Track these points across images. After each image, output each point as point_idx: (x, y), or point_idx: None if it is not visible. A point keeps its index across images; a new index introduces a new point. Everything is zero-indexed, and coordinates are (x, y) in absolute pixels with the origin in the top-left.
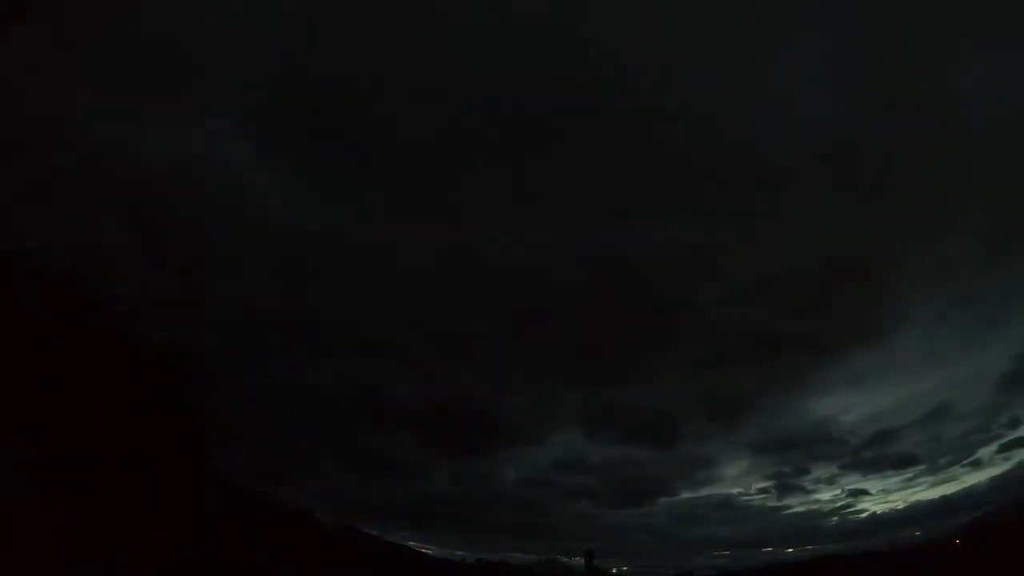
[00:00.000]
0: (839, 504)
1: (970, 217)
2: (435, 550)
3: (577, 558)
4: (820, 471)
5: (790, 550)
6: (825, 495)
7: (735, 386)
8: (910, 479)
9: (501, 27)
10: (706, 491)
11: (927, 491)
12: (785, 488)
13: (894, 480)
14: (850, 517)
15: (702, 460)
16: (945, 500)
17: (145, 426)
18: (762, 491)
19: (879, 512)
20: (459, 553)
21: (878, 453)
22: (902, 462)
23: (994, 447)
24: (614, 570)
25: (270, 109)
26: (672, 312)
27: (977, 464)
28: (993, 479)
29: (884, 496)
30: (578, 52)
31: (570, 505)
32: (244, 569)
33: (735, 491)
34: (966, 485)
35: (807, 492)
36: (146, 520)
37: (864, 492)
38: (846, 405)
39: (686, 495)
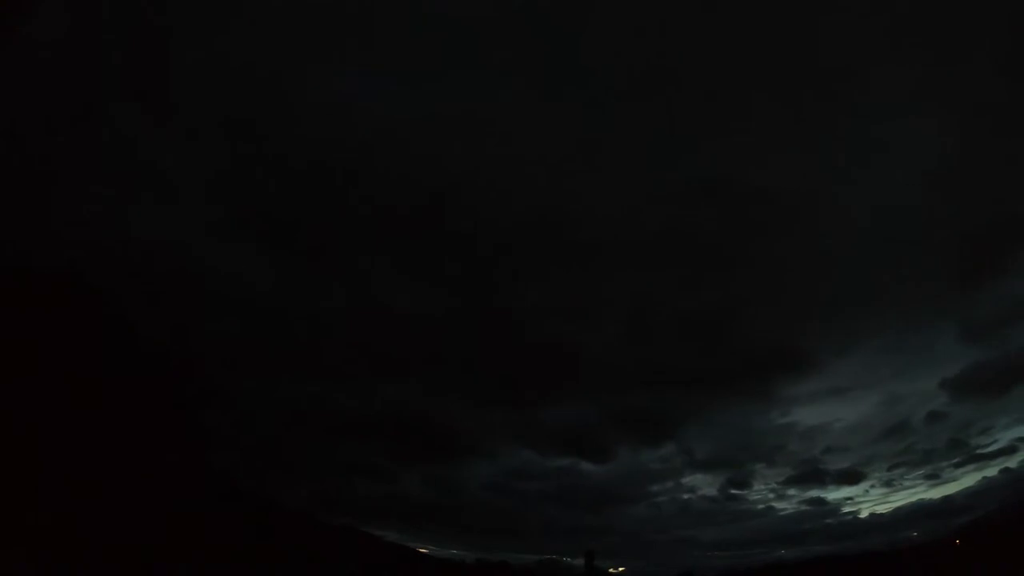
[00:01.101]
0: (836, 505)
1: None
2: (435, 550)
3: (569, 558)
4: (760, 485)
5: (789, 551)
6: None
7: (653, 409)
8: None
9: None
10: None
11: (926, 492)
12: (730, 500)
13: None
14: (849, 518)
15: (644, 473)
16: (942, 501)
17: (145, 426)
18: (712, 500)
19: (877, 513)
20: (459, 553)
21: (813, 470)
22: (844, 479)
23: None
24: (613, 570)
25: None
26: (567, 352)
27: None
28: (987, 479)
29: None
30: (449, 153)
31: (538, 508)
32: (244, 569)
33: (686, 496)
34: (962, 487)
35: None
36: (146, 520)
37: (822, 501)
38: (775, 428)
39: (644, 502)
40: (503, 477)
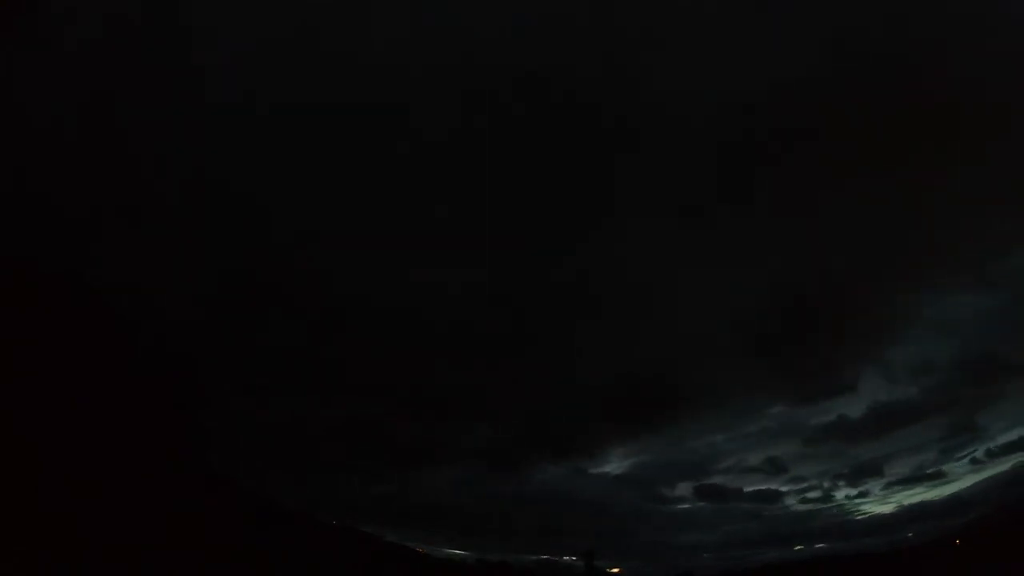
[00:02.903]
0: (838, 505)
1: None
2: (435, 550)
3: (570, 557)
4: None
5: (788, 551)
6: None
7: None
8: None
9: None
10: None
11: (925, 493)
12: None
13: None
14: (850, 517)
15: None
16: (942, 501)
17: (145, 426)
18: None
19: (880, 512)
20: (459, 553)
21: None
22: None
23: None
24: (614, 570)
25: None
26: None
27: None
28: (987, 480)
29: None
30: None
31: (537, 508)
32: (244, 569)
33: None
34: (962, 487)
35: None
36: (146, 520)
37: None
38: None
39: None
40: (454, 481)
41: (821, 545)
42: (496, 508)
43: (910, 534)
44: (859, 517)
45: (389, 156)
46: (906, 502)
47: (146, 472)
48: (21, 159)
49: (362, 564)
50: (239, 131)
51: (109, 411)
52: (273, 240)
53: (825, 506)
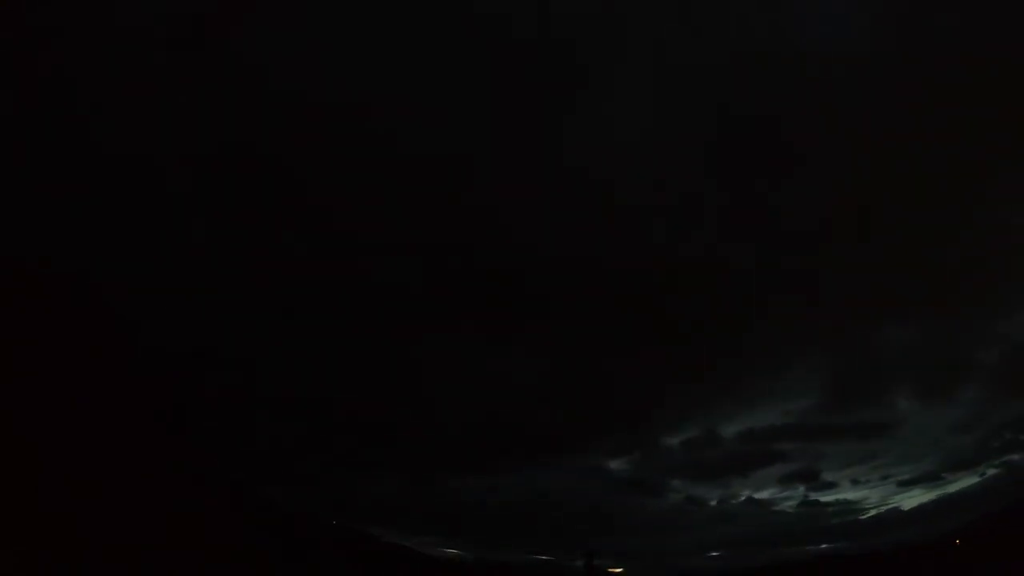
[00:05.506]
0: (839, 505)
1: None
2: (435, 550)
3: (569, 558)
4: None
5: (789, 551)
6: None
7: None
8: None
9: None
10: None
11: (925, 494)
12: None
13: None
14: (850, 517)
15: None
16: (942, 501)
17: (145, 426)
18: None
19: (880, 513)
20: (459, 553)
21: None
22: None
23: None
24: (613, 570)
25: None
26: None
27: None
28: (987, 480)
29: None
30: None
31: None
32: (244, 569)
33: None
34: (961, 488)
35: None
36: (146, 520)
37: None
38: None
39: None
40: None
41: (821, 545)
42: (496, 508)
43: (910, 534)
44: (859, 518)
45: None
46: (906, 502)
47: (146, 472)
48: (22, 159)
49: (362, 564)
50: (239, 131)
51: (109, 412)
52: (273, 241)
53: (825, 507)
